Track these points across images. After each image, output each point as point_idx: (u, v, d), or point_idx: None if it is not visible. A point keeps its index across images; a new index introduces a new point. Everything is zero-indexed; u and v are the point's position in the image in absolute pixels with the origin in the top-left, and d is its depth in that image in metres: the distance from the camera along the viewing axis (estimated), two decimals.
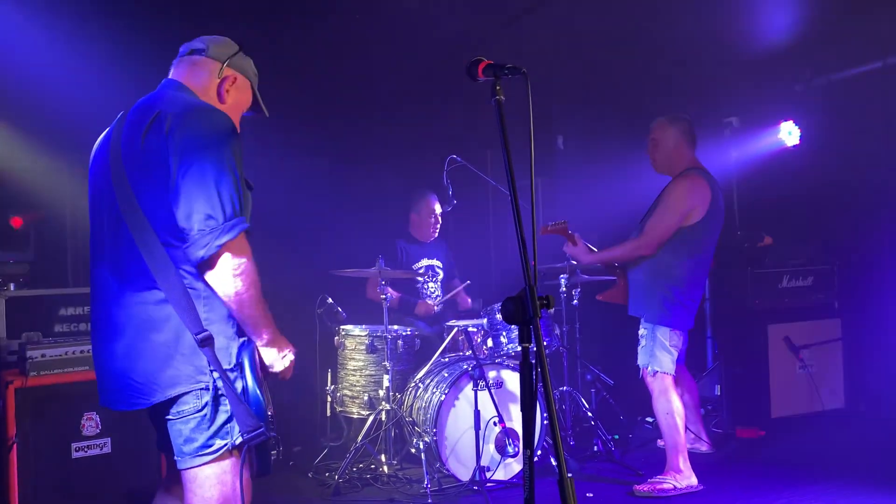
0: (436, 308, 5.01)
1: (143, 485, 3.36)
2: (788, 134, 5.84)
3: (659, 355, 3.89)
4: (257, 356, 2.04)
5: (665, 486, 3.79)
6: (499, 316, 4.42)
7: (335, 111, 5.48)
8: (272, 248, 4.67)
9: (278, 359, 2.09)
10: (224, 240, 1.90)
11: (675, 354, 3.91)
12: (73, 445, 3.40)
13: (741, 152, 6.23)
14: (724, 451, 4.70)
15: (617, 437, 4.84)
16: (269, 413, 2.00)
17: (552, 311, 4.65)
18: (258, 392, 1.97)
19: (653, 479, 3.85)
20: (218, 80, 2.22)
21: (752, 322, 5.15)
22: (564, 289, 4.82)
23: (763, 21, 5.22)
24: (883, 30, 5.07)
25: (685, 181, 3.95)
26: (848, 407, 5.29)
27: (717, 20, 5.16)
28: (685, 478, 3.82)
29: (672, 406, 3.86)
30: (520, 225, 1.64)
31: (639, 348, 3.99)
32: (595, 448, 4.55)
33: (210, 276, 1.94)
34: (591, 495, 3.84)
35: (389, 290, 4.45)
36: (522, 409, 1.61)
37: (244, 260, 1.94)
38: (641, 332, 3.99)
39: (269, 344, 2.06)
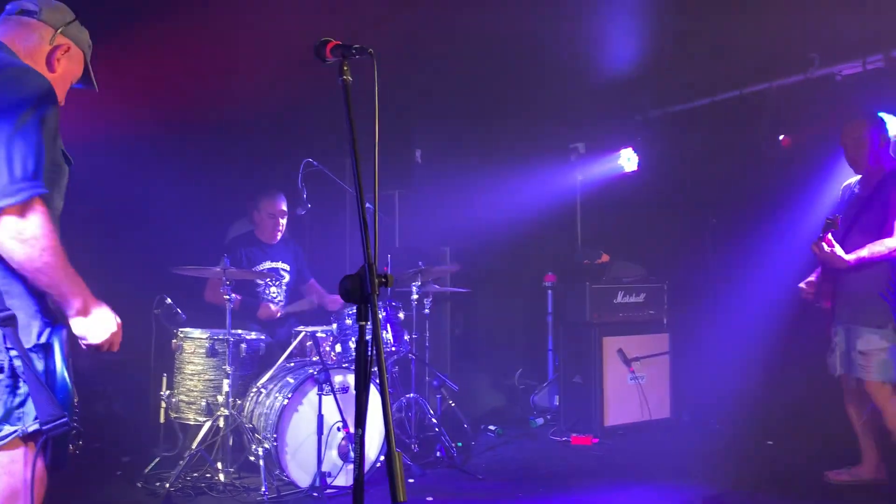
0: (279, 313, 4.89)
1: None
2: (628, 160, 6.28)
3: None
4: (69, 339, 1.91)
5: None
6: (349, 321, 4.38)
7: (190, 103, 5.23)
8: (106, 240, 4.43)
9: (92, 328, 1.92)
10: (4, 203, 1.75)
11: None
12: None
13: (586, 176, 6.61)
14: (558, 458, 4.91)
15: (460, 444, 4.92)
16: (75, 402, 1.87)
17: (402, 315, 4.68)
18: (67, 378, 1.83)
19: None
20: (49, 47, 2.09)
21: (589, 335, 5.44)
22: (416, 297, 4.86)
23: (607, 54, 5.58)
24: (714, 69, 5.57)
25: None
26: (673, 416, 5.68)
27: (566, 49, 5.45)
28: None
29: None
30: (362, 206, 1.64)
31: (871, 361, 3.76)
32: (438, 454, 4.60)
33: None
34: (431, 499, 3.87)
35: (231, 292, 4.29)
36: (356, 388, 1.60)
37: (34, 225, 1.78)
38: (877, 344, 3.75)
39: (79, 313, 1.90)
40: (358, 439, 1.54)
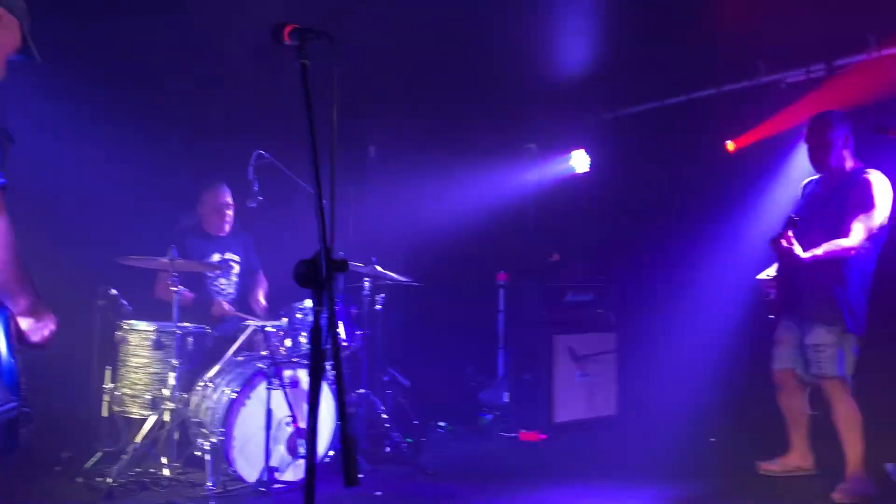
0: (231, 311, 4.80)
1: None
2: (580, 161, 6.36)
3: (848, 363, 3.84)
4: (13, 325, 1.84)
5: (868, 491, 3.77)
6: (299, 315, 4.33)
7: (140, 86, 5.11)
8: (47, 226, 4.28)
9: (37, 328, 1.90)
10: None
11: None
12: None
13: (538, 175, 6.68)
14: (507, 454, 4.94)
15: (410, 440, 4.91)
16: (22, 384, 1.81)
17: (357, 312, 4.65)
18: (13, 361, 1.78)
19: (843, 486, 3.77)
20: None
21: (540, 332, 5.50)
22: (368, 293, 4.83)
23: (560, 55, 5.65)
24: (663, 74, 5.69)
25: (885, 180, 3.87)
26: (619, 414, 5.77)
27: (519, 50, 5.51)
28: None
29: (856, 408, 3.82)
30: (319, 190, 1.63)
31: (822, 356, 3.85)
32: (387, 450, 4.59)
33: None
34: (380, 493, 3.86)
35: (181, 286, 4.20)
36: (310, 375, 1.59)
37: None
38: (825, 339, 3.85)
39: (26, 312, 1.87)
40: (312, 425, 1.53)
